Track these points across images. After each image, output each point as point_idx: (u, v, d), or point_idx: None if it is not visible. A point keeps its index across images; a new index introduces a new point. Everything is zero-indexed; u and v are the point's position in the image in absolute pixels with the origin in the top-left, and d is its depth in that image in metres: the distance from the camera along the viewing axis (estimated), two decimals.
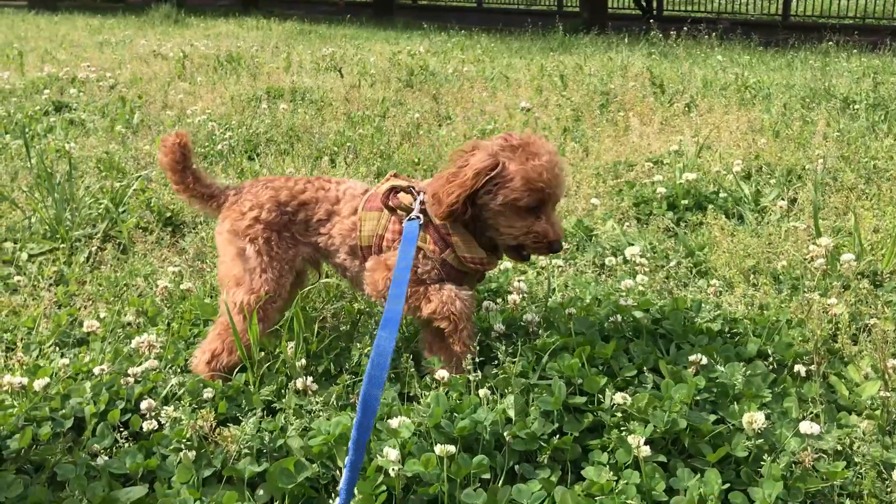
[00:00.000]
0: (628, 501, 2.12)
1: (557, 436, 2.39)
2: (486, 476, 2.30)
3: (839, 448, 2.49)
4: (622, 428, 2.37)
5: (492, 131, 6.93)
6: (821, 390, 2.96)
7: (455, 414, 2.43)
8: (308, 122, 7.45)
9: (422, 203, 2.78)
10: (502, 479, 2.32)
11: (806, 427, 2.40)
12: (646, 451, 2.21)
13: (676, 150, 5.97)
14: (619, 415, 2.37)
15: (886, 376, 3.05)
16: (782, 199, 5.08)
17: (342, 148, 6.57)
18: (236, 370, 2.92)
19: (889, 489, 2.26)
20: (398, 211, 2.81)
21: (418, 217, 2.75)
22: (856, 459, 2.43)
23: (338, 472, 2.30)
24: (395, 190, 2.85)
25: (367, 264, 2.88)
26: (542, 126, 7.12)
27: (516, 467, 2.36)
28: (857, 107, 8.14)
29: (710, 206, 4.84)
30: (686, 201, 5.08)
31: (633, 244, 4.38)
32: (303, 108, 8.05)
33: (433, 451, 2.23)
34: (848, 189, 5.32)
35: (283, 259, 2.93)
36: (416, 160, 6.27)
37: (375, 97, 8.71)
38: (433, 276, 2.80)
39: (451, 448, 2.15)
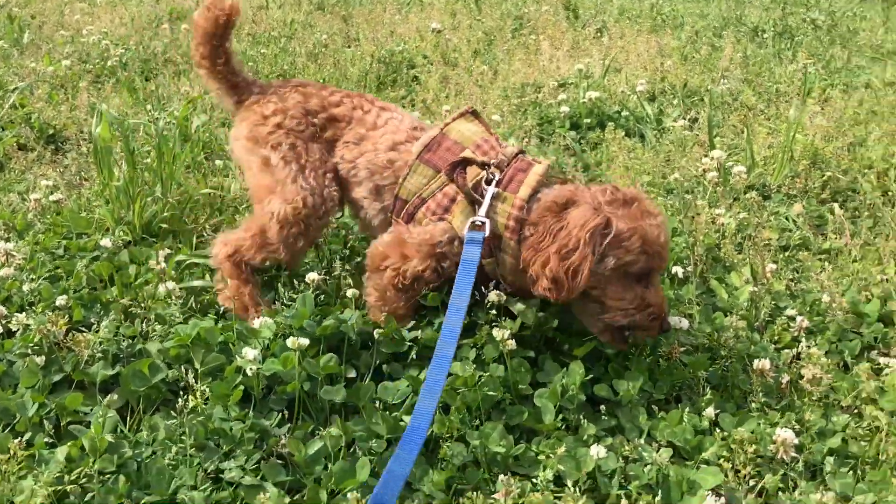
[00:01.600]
0: (490, 393, 2.09)
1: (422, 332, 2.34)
2: (353, 375, 2.25)
3: (707, 343, 2.51)
4: (493, 325, 2.33)
5: (401, 52, 6.75)
6: (701, 293, 2.99)
7: (322, 316, 2.35)
8: None
9: (493, 199, 2.26)
10: (369, 377, 2.26)
11: (675, 322, 2.41)
12: (511, 344, 2.17)
13: (582, 71, 5.91)
14: (493, 312, 2.33)
15: (765, 279, 3.10)
16: (683, 119, 5.08)
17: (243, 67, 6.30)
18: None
19: (752, 380, 2.28)
20: (461, 190, 2.31)
21: (482, 226, 2.21)
22: (722, 353, 2.45)
23: (192, 374, 2.19)
24: (465, 163, 2.32)
25: (384, 233, 2.45)
26: (453, 48, 6.96)
27: (384, 367, 2.30)
28: (765, 35, 8.22)
29: (611, 125, 4.81)
30: (589, 120, 5.04)
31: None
32: None
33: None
34: (747, 109, 5.36)
35: (320, 168, 2.53)
36: (322, 80, 6.08)
37: (285, 19, 8.39)
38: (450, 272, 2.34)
39: (304, 341, 2.07)
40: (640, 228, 2.15)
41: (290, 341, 2.06)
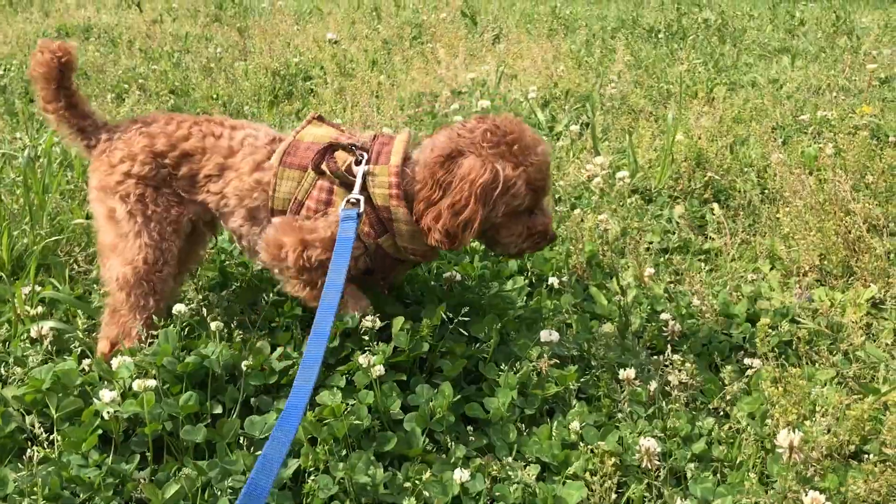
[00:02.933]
0: (357, 422, 2.06)
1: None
2: (219, 411, 2.19)
3: (578, 353, 2.54)
4: (367, 350, 2.30)
5: (297, 64, 6.67)
6: (581, 300, 3.03)
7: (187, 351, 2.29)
8: (100, 61, 6.92)
9: (364, 175, 2.26)
10: (237, 412, 2.21)
11: (545, 335, 2.43)
12: (379, 370, 2.16)
13: (475, 79, 5.95)
14: (366, 338, 2.31)
15: (643, 284, 3.17)
16: (574, 124, 5.16)
17: (133, 84, 6.13)
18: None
19: (622, 389, 2.32)
20: (333, 178, 2.30)
21: (356, 203, 2.23)
22: (592, 363, 2.48)
23: (45, 421, 2.10)
24: (332, 149, 2.31)
25: (272, 222, 2.37)
26: (350, 59, 6.92)
27: (252, 400, 2.25)
28: (659, 36, 8.44)
29: None
30: None
31: None
32: (94, 46, 7.46)
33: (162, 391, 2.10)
34: (634, 112, 5.48)
35: (164, 219, 2.41)
36: (215, 95, 5.96)
37: (180, 33, 8.20)
38: (359, 266, 2.37)
39: (151, 382, 2.01)
40: (525, 172, 2.24)
41: (136, 383, 1.99)
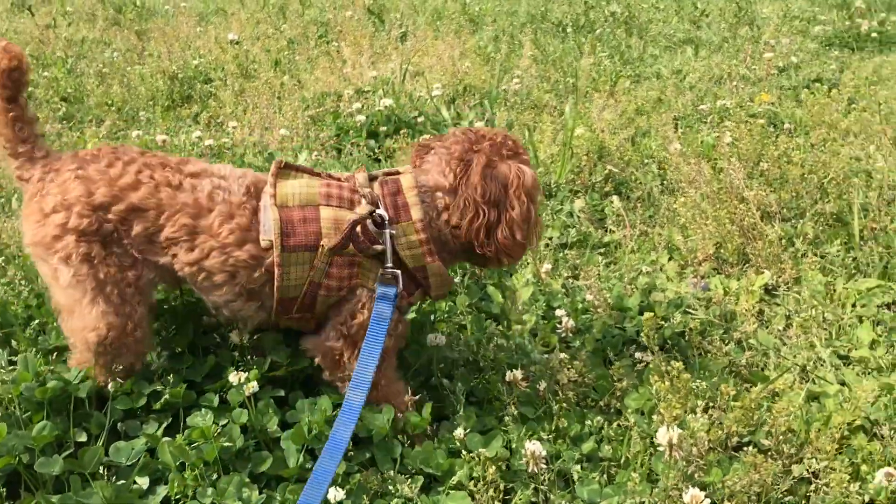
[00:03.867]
0: (227, 443, 1.95)
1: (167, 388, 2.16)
2: (83, 439, 2.05)
3: (469, 357, 2.47)
4: (239, 366, 2.19)
5: (196, 66, 6.46)
6: (478, 300, 2.97)
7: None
8: None
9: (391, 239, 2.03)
10: (104, 439, 2.07)
11: (431, 339, 2.36)
12: (253, 387, 2.05)
13: (378, 77, 5.86)
14: (236, 354, 2.19)
15: (541, 280, 3.13)
16: (479, 121, 5.11)
17: None
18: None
19: (512, 390, 2.26)
20: (364, 253, 2.03)
21: (394, 276, 2.01)
22: (481, 364, 2.43)
23: None
24: (355, 226, 1.99)
25: (329, 337, 2.08)
26: (252, 59, 6.74)
27: (119, 425, 2.11)
28: (567, 30, 8.48)
29: (404, 131, 4.77)
30: (385, 128, 4.97)
31: None
32: None
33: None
34: (540, 107, 5.47)
35: (121, 281, 2.01)
36: (110, 101, 5.72)
37: (76, 37, 7.87)
38: (400, 333, 2.15)
39: None
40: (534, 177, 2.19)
41: None
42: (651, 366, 2.33)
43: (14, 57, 1.95)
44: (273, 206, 2.00)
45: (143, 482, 1.94)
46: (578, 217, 3.85)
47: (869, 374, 2.60)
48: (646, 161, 4.42)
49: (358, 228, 2.00)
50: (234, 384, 2.04)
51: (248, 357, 2.18)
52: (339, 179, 2.14)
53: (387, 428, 2.09)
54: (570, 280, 3.23)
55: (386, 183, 2.10)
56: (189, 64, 6.48)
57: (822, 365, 2.66)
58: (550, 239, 3.59)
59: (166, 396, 2.11)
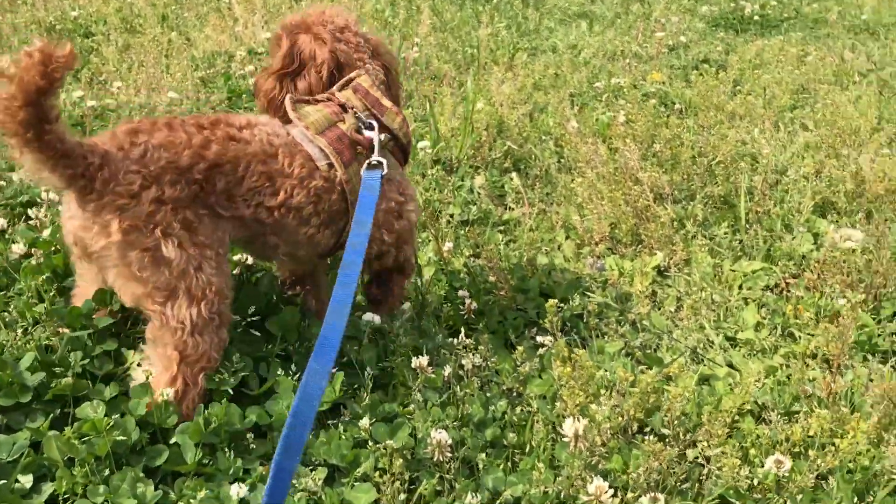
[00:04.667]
0: (120, 437, 1.86)
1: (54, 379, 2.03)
2: None
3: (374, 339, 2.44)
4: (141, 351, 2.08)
5: (75, 19, 6.05)
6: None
7: None
8: None
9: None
10: None
11: (368, 318, 2.34)
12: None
13: (270, 39, 5.66)
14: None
15: (443, 259, 3.11)
16: None
17: None
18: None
19: (417, 375, 2.24)
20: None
21: (379, 164, 2.23)
22: (391, 347, 2.40)
23: None
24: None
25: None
26: (137, 13, 6.38)
27: (1, 417, 1.97)
28: None
29: None
30: None
31: None
32: None
33: None
34: (440, 77, 5.42)
35: (216, 242, 2.00)
36: None
37: None
38: None
39: None
40: None
41: None
42: (553, 351, 2.36)
43: (67, 55, 1.70)
44: (315, 136, 2.21)
45: (27, 480, 1.82)
46: (479, 194, 3.85)
47: (754, 356, 2.73)
48: (543, 138, 4.46)
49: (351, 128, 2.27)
50: (134, 377, 1.94)
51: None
52: (326, 100, 2.33)
53: (286, 414, 2.04)
54: (472, 259, 3.23)
55: (357, 90, 2.33)
56: (67, 15, 6.07)
57: (711, 347, 2.77)
58: (452, 216, 3.58)
59: (54, 387, 1.98)
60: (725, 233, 3.52)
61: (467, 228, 3.51)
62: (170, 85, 4.77)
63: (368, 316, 2.43)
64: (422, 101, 4.91)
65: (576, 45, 6.75)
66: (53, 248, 2.59)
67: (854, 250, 3.03)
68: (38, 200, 3.09)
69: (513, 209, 3.76)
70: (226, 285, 2.03)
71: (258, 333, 2.34)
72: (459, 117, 4.49)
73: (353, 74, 2.35)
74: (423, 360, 2.22)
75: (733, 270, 3.25)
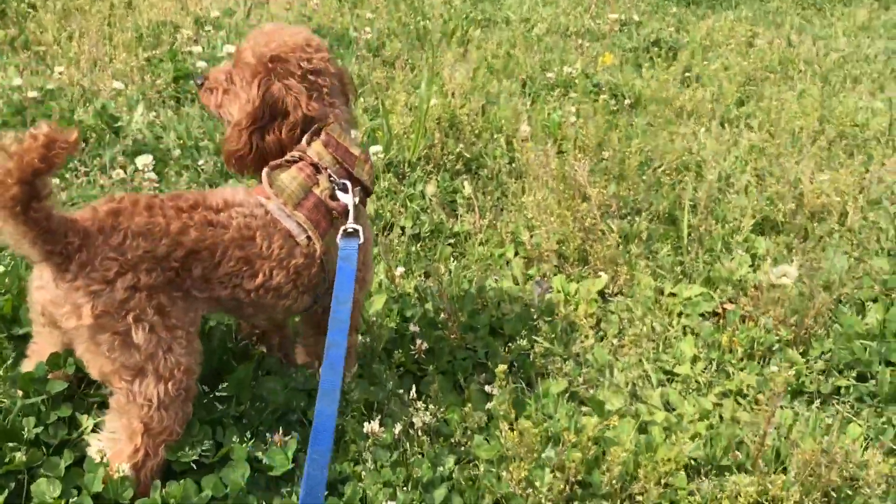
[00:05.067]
0: None
1: None
2: None
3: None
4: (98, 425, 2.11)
5: None
6: None
7: None
8: None
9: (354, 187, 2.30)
10: None
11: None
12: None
13: (225, 11, 5.50)
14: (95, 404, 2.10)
15: (394, 285, 3.16)
16: None
17: None
18: None
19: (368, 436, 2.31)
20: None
21: (355, 232, 2.20)
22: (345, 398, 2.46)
23: None
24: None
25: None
26: None
27: None
28: None
29: None
30: None
31: (161, 137, 3.98)
32: None
33: None
34: (392, 60, 5.36)
35: (187, 322, 2.02)
36: None
37: None
38: None
39: None
40: None
41: None
42: (500, 408, 2.44)
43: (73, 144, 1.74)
44: (293, 211, 2.19)
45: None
46: (430, 201, 3.88)
47: (690, 393, 2.88)
48: (495, 136, 4.48)
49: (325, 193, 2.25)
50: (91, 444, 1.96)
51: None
52: (299, 160, 2.28)
53: (241, 484, 2.10)
54: (423, 280, 3.28)
55: (328, 144, 2.29)
56: None
57: (649, 383, 2.90)
58: (403, 229, 3.61)
59: (7, 462, 2.00)
60: (668, 253, 3.63)
61: (418, 244, 3.55)
62: (114, 69, 4.61)
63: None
64: (374, 89, 4.86)
65: (528, 19, 6.70)
66: (3, 291, 2.56)
67: (788, 287, 3.17)
68: None
69: (464, 220, 3.80)
70: (195, 361, 2.06)
71: (209, 391, 2.37)
72: (412, 111, 4.47)
73: (319, 125, 2.30)
74: (375, 424, 2.29)
75: (673, 295, 3.38)
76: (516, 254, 3.60)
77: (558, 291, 3.32)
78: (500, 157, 4.31)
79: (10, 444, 2.07)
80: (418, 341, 2.79)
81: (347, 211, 2.25)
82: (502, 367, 2.34)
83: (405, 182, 3.98)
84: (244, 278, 2.11)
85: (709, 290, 3.40)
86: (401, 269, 3.21)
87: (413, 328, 2.88)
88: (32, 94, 4.00)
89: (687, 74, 5.65)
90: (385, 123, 4.18)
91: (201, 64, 4.66)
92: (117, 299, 1.89)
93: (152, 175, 3.32)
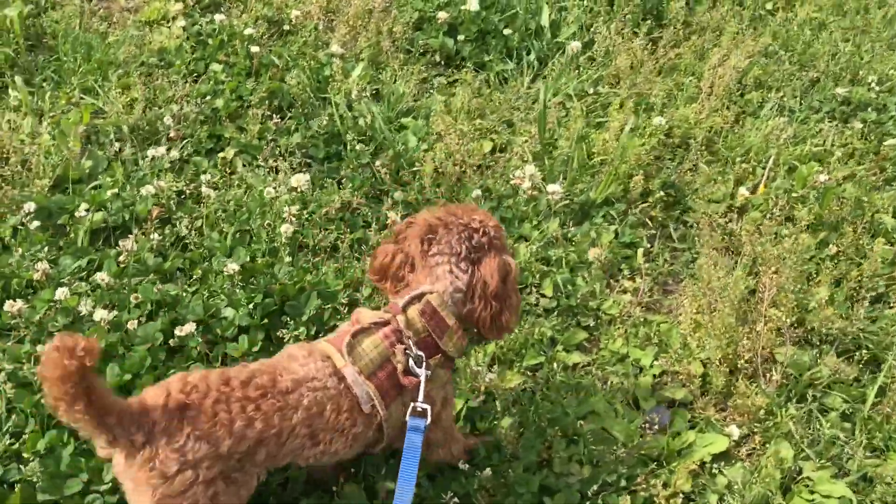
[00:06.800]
0: None
1: None
2: None
3: None
4: None
5: None
6: None
7: None
8: None
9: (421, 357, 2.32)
10: None
11: None
12: None
13: None
14: None
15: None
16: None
17: None
18: None
19: None
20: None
21: (423, 411, 2.29)
22: None
23: None
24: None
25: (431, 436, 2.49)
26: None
27: None
28: None
29: None
30: None
31: None
32: None
33: None
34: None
35: (242, 487, 2.17)
36: None
37: None
38: None
39: None
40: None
41: None
42: None
43: (92, 352, 1.88)
44: (365, 381, 2.26)
45: None
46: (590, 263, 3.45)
47: None
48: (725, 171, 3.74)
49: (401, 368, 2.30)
50: None
51: None
52: (386, 323, 2.33)
53: None
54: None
55: (424, 313, 2.31)
56: None
57: None
58: (537, 301, 3.29)
59: None
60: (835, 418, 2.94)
61: (555, 319, 3.21)
62: None
63: None
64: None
65: None
66: None
67: None
68: None
69: (624, 288, 3.34)
70: None
71: None
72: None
73: (425, 289, 2.33)
74: None
75: (808, 483, 2.79)
76: (652, 364, 3.14)
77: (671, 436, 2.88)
78: (721, 201, 3.66)
79: None
80: None
81: (418, 386, 2.28)
82: None
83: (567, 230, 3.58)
84: (306, 448, 2.21)
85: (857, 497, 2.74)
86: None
87: None
88: None
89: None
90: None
91: None
92: (177, 490, 2.04)
93: None
